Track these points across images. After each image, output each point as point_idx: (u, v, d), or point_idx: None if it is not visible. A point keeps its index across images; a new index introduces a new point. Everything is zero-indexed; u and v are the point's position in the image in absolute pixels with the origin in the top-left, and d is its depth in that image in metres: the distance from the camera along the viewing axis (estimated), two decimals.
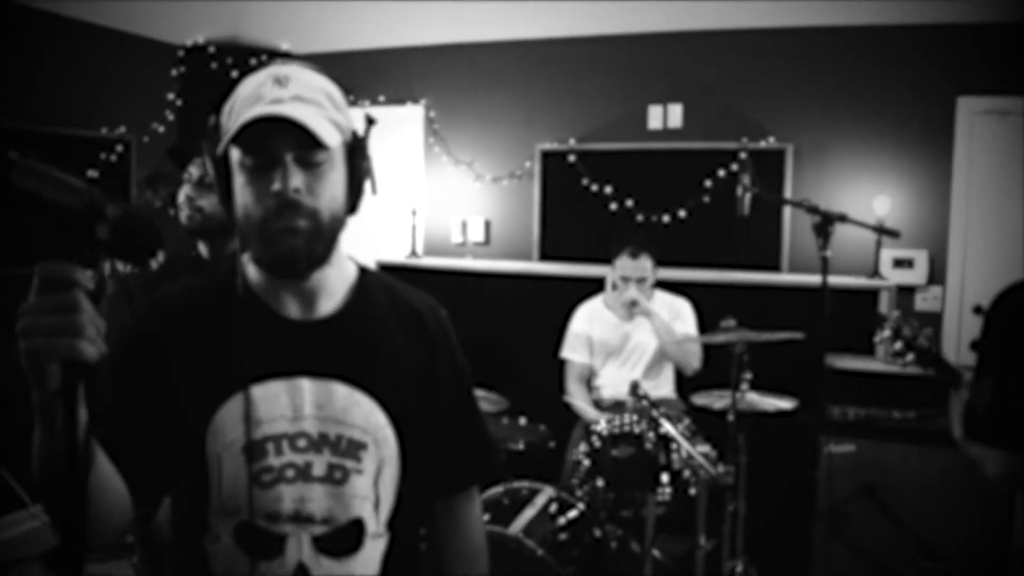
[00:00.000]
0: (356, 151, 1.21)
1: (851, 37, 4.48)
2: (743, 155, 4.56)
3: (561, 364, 3.85)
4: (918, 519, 3.36)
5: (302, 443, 1.18)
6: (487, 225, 5.33)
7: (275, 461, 1.17)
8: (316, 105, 1.14)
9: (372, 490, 1.20)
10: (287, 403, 1.18)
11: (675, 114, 4.85)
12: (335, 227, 1.18)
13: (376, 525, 1.21)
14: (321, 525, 1.17)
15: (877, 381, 3.62)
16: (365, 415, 1.20)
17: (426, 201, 5.43)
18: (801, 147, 4.59)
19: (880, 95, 4.46)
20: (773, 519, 3.60)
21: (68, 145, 4.65)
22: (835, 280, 3.97)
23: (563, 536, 2.92)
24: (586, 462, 3.01)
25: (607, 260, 3.76)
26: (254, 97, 1.13)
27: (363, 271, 1.32)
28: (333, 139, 1.14)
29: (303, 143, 1.11)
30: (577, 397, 3.70)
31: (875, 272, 4.24)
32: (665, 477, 2.85)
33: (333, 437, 1.19)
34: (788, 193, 4.56)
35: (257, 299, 1.23)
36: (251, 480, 1.15)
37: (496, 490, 3.24)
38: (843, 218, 2.78)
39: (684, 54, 4.82)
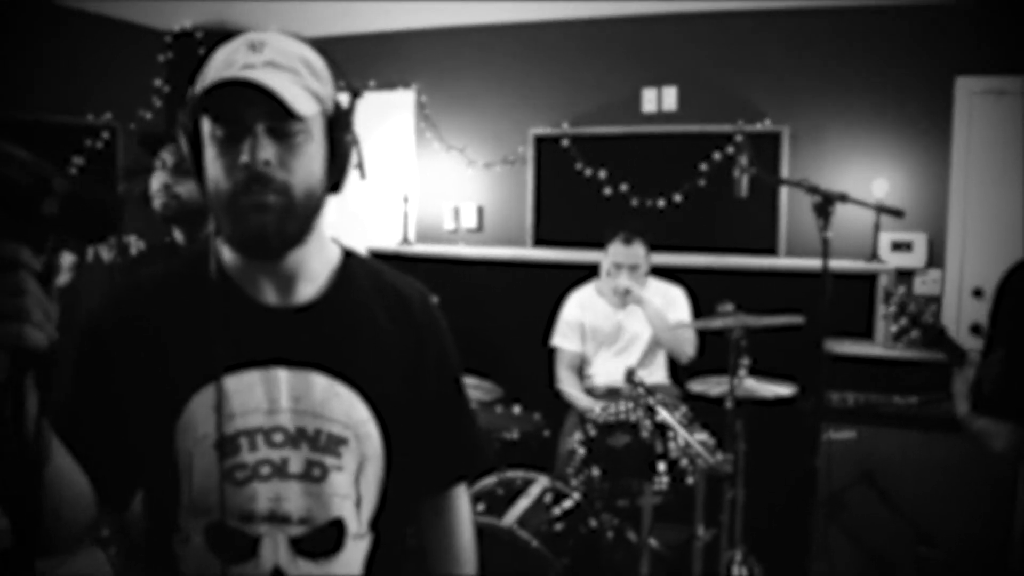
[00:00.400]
0: (338, 124, 1.13)
1: (848, 17, 4.40)
2: (739, 137, 4.49)
3: (552, 352, 3.78)
4: (918, 506, 3.31)
5: (278, 438, 1.10)
6: (480, 211, 5.26)
7: (249, 457, 1.09)
8: (291, 72, 1.06)
9: (353, 488, 1.13)
10: (262, 395, 1.10)
11: (670, 97, 4.77)
12: (310, 205, 1.10)
13: (358, 525, 1.14)
14: (298, 525, 1.10)
15: (877, 366, 3.57)
16: (346, 408, 1.13)
17: (418, 187, 5.36)
18: (797, 129, 4.52)
19: (877, 76, 4.39)
20: (773, 508, 3.54)
21: (53, 132, 4.57)
22: (833, 264, 3.92)
23: (558, 527, 2.86)
24: (581, 451, 2.95)
25: (602, 245, 3.69)
26: (226, 63, 1.06)
27: (348, 255, 1.24)
28: (307, 108, 1.05)
29: (275, 113, 1.03)
30: (568, 385, 3.63)
31: (874, 255, 4.18)
32: (662, 466, 2.79)
33: (311, 432, 1.11)
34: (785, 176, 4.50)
35: (231, 283, 1.15)
36: (223, 477, 1.07)
37: (490, 480, 3.17)
38: (844, 197, 2.71)
39: (679, 36, 4.74)
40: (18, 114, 4.35)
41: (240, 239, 1.09)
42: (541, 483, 3.02)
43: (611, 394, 3.47)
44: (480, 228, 5.27)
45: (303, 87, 1.07)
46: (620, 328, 3.65)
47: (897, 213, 2.88)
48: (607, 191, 4.84)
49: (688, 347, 3.55)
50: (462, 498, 1.34)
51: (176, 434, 1.09)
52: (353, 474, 1.13)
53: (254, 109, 1.03)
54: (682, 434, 2.62)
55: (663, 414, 2.66)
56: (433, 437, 1.26)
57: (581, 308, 3.73)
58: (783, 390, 3.11)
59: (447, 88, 5.30)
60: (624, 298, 3.55)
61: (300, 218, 1.09)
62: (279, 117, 1.04)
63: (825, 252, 2.72)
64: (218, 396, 1.08)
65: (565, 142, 4.94)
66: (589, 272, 3.94)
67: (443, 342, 1.28)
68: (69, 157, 4.60)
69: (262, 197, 1.05)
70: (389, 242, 5.21)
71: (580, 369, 3.75)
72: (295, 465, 1.11)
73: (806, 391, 3.21)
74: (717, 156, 4.59)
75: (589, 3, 4.63)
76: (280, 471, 1.10)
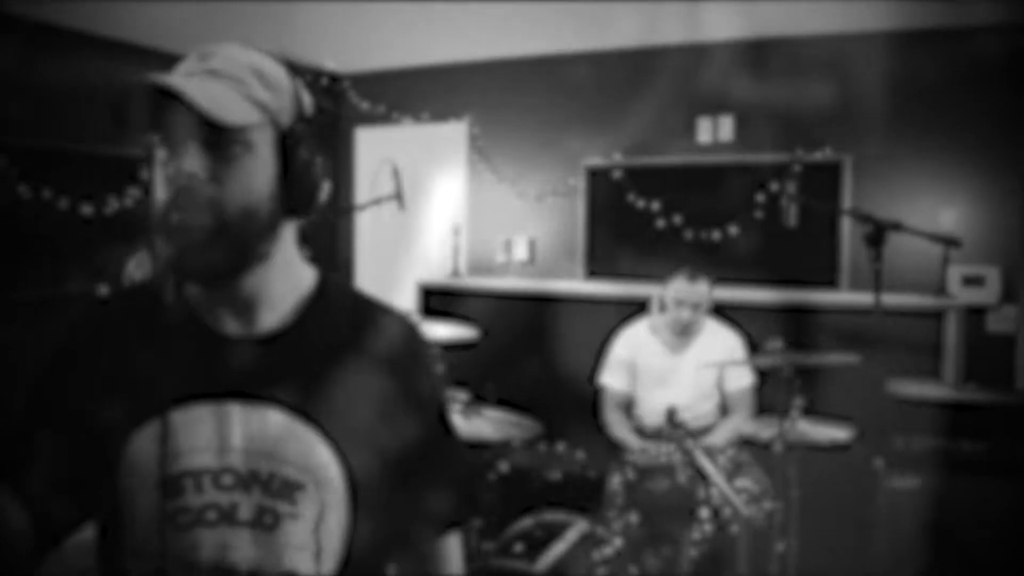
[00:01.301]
0: (296, 140, 1.03)
1: (913, 40, 4.20)
2: (797, 167, 4.32)
3: (599, 388, 3.64)
4: (989, 559, 3.06)
5: (227, 480, 1.01)
6: (531, 244, 5.18)
7: (194, 500, 1.01)
8: (234, 80, 0.99)
9: (311, 539, 1.03)
10: (212, 432, 1.02)
11: (726, 126, 4.63)
12: (250, 225, 1.00)
13: None
14: None
15: (944, 409, 3.33)
16: (304, 450, 1.03)
17: (469, 219, 5.32)
18: (860, 158, 4.32)
19: (946, 100, 4.17)
20: (828, 560, 3.32)
21: (109, 164, 4.67)
22: (897, 299, 3.71)
23: (598, 573, 2.72)
24: (621, 494, 2.81)
25: (655, 278, 3.53)
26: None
27: (324, 281, 1.14)
28: (237, 116, 0.97)
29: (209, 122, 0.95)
30: (615, 425, 3.48)
31: (941, 290, 3.93)
32: (704, 513, 2.63)
33: (264, 475, 1.02)
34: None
35: (188, 310, 1.07)
36: (164, 521, 0.99)
37: (527, 522, 3.07)
38: (897, 226, 2.53)
39: (735, 64, 4.60)
40: (74, 146, 4.45)
41: (170, 262, 0.99)
42: (580, 527, 2.90)
43: (658, 435, 3.32)
44: (532, 261, 5.19)
45: (244, 96, 0.99)
46: (673, 368, 3.47)
47: (953, 243, 2.70)
48: (660, 223, 4.70)
49: (747, 428, 3.31)
50: (451, 549, 1.20)
51: (120, 471, 1.01)
52: (312, 523, 1.03)
53: (189, 118, 0.95)
54: (715, 481, 2.46)
55: (699, 459, 2.50)
56: (414, 481, 1.14)
57: (632, 346, 3.57)
58: (839, 434, 2.91)
59: (499, 120, 5.26)
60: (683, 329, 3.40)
61: (236, 240, 1.00)
62: (214, 126, 0.96)
63: (877, 285, 2.54)
64: (162, 431, 1.00)
65: (617, 173, 4.84)
66: (641, 307, 3.80)
67: (426, 378, 1.17)
68: (125, 189, 4.69)
69: (189, 215, 0.96)
70: (440, 274, 5.17)
71: (628, 409, 3.58)
72: (245, 511, 1.01)
73: (866, 434, 3.01)
74: (775, 187, 4.42)
75: (641, 32, 4.54)
76: (228, 517, 1.01)
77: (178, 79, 0.96)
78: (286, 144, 1.03)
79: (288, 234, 1.08)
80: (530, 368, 4.29)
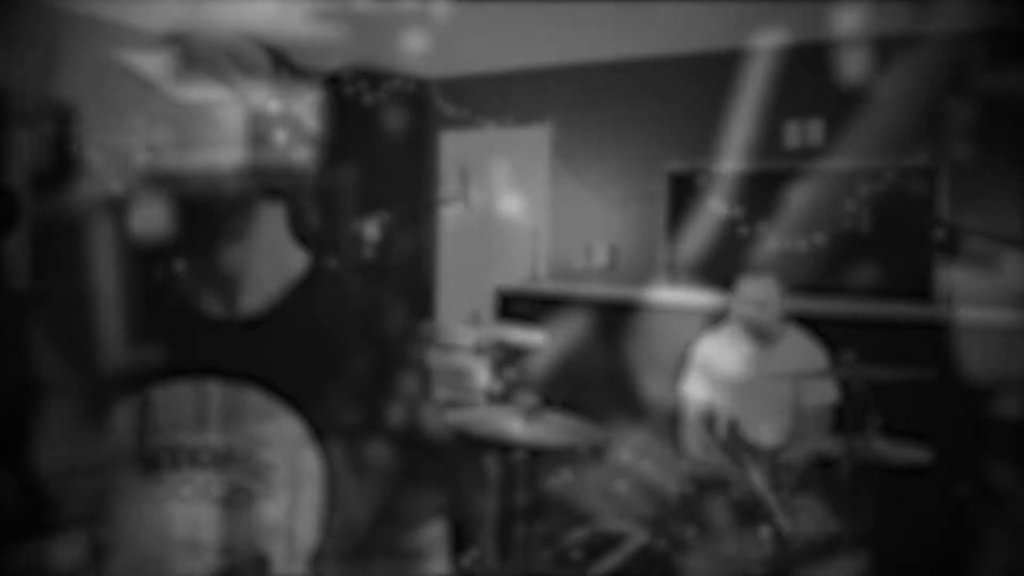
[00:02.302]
0: (268, 121, 1.04)
1: (1015, 41, 3.93)
2: (889, 173, 4.10)
3: (679, 398, 3.53)
4: None
5: (204, 457, 1.03)
6: (612, 249, 5.11)
7: (170, 475, 1.03)
8: (204, 60, 1.01)
9: (284, 522, 1.03)
10: (191, 409, 1.04)
11: (815, 130, 4.45)
12: (212, 200, 1.01)
13: (289, 564, 1.03)
14: (217, 555, 1.02)
15: None
16: (281, 431, 1.04)
17: (550, 223, 5.28)
18: (959, 166, 4.06)
19: None
20: None
21: None
22: (996, 316, 3.48)
23: None
24: (680, 508, 2.72)
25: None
26: None
27: (316, 268, 1.14)
28: (193, 93, 0.99)
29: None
30: (689, 435, 3.37)
31: None
32: (766, 531, 2.50)
33: (240, 453, 1.03)
34: None
35: (175, 288, 1.10)
36: (139, 496, 1.02)
37: (585, 530, 3.00)
38: (970, 231, 2.35)
39: (825, 66, 4.41)
40: None
41: (138, 234, 1.02)
42: (638, 538, 2.81)
43: (724, 448, 3.19)
44: (612, 266, 5.11)
45: (210, 75, 1.00)
46: (749, 378, 3.34)
47: None
48: (743, 230, 4.55)
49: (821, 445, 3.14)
50: (433, 544, 1.17)
51: (102, 446, 1.04)
52: (285, 506, 1.03)
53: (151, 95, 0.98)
54: (765, 496, 2.34)
55: (752, 473, 2.38)
56: (394, 473, 1.12)
57: (710, 355, 3.45)
58: (918, 455, 2.73)
59: (581, 124, 5.22)
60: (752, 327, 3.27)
61: (199, 214, 1.01)
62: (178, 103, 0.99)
63: (950, 296, 2.37)
64: (141, 407, 1.02)
65: (700, 178, 4.71)
66: (722, 315, 3.68)
67: (412, 371, 1.15)
68: None
69: (153, 187, 0.99)
70: (520, 279, 5.15)
71: (710, 419, 3.47)
72: (219, 488, 1.03)
73: (950, 458, 2.82)
74: (865, 194, 4.20)
75: (726, 35, 4.42)
76: (202, 493, 1.03)
77: (138, 57, 0.98)
78: (257, 124, 1.04)
79: (272, 215, 1.09)
80: (603, 374, 4.23)
